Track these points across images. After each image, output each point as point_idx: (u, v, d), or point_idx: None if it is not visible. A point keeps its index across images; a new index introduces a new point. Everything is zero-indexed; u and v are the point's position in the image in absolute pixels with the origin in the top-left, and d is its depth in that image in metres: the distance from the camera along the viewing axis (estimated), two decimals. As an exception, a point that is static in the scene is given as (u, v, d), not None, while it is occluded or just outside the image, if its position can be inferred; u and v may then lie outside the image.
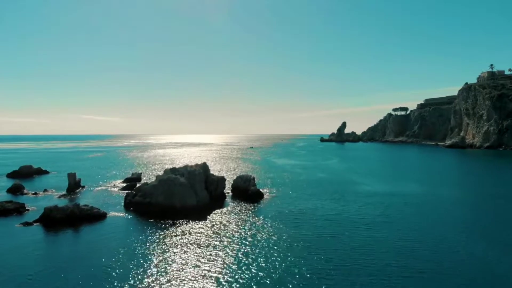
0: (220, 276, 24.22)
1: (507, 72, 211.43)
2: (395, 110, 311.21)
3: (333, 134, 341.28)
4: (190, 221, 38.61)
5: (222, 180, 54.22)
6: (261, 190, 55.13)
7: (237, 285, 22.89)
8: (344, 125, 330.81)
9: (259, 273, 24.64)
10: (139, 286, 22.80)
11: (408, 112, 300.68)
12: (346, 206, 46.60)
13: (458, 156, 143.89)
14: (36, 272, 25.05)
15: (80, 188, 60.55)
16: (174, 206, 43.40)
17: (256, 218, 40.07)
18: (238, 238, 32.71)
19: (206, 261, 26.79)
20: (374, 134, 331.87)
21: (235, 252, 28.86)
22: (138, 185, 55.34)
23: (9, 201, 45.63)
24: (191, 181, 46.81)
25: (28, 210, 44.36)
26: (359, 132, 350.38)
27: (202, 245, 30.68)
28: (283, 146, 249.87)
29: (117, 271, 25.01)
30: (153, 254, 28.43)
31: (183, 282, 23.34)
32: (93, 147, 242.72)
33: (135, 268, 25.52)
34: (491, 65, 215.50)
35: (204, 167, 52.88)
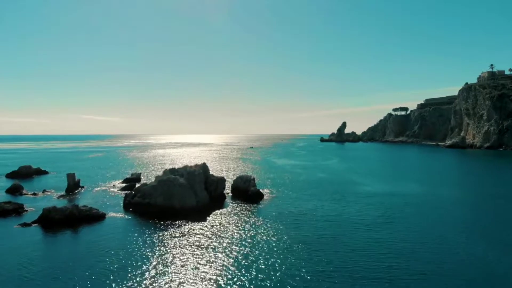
0: (219, 277, 24.02)
1: (507, 72, 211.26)
2: (395, 110, 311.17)
3: (333, 134, 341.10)
4: (190, 222, 38.41)
5: (221, 180, 54.02)
6: (261, 190, 54.94)
7: (237, 287, 22.69)
8: (344, 125, 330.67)
9: (259, 275, 24.44)
10: (138, 287, 22.63)
11: (408, 112, 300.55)
12: (346, 206, 46.40)
13: (458, 156, 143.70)
14: (34, 273, 24.86)
15: (80, 188, 60.35)
16: (173, 207, 43.21)
17: (256, 219, 39.87)
18: (237, 239, 32.51)
19: (205, 263, 26.60)
20: (374, 134, 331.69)
21: (234, 253, 28.66)
22: (137, 185, 55.12)
23: (7, 202, 45.41)
24: (190, 181, 46.61)
25: (26, 210, 44.16)
26: (359, 132, 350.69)
27: (201, 246, 30.48)
28: (283, 146, 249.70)
29: (116, 272, 24.81)
30: (152, 255, 28.23)
31: (182, 283, 23.15)
32: (93, 147, 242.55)
33: (134, 269, 25.32)
34: (491, 65, 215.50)
35: (204, 167, 52.69)
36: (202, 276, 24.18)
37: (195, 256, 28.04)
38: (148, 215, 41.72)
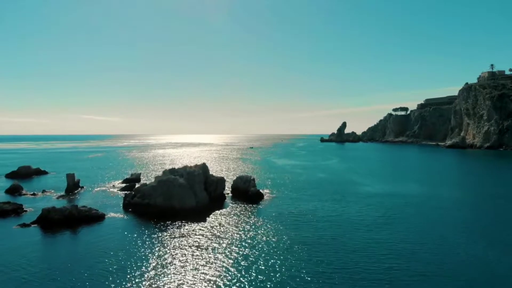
0: (219, 279, 23.88)
1: (507, 72, 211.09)
2: (395, 110, 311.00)
3: (333, 134, 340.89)
4: (189, 223, 38.27)
5: (221, 180, 53.88)
6: (261, 190, 54.80)
7: (236, 288, 22.57)
8: (344, 125, 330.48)
9: (259, 276, 24.30)
10: (136, 289, 22.49)
11: (408, 112, 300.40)
12: (346, 207, 46.27)
13: (458, 156, 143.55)
14: (32, 274, 24.73)
15: (79, 188, 60.22)
16: (173, 207, 43.07)
17: (256, 220, 39.73)
18: (237, 240, 32.38)
19: (205, 263, 26.47)
20: (374, 134, 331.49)
21: (234, 254, 28.53)
22: (137, 185, 54.98)
23: (6, 202, 45.29)
24: (190, 182, 46.47)
25: (26, 211, 44.03)
26: (359, 132, 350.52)
27: (201, 247, 30.35)
28: (283, 146, 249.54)
29: (115, 273, 24.68)
30: (152, 256, 28.09)
31: (182, 284, 23.01)
32: (92, 147, 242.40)
33: (133, 270, 25.18)
34: (492, 65, 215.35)
35: (204, 167, 52.55)
36: (201, 277, 24.05)
37: (194, 257, 27.91)
38: (148, 215, 41.58)
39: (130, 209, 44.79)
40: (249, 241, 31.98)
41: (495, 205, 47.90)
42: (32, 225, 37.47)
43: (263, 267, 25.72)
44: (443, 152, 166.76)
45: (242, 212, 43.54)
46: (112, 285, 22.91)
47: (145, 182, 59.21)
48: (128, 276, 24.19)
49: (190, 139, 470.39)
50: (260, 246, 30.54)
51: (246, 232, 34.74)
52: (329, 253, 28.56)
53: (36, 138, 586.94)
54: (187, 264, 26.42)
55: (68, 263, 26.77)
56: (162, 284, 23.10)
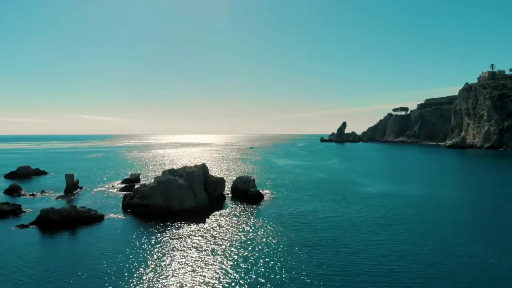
0: (218, 280, 23.65)
1: (507, 72, 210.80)
2: (395, 110, 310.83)
3: (333, 134, 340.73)
4: (189, 223, 38.04)
5: (221, 181, 53.64)
6: (261, 191, 54.58)
7: (236, 291, 22.35)
8: (344, 125, 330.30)
9: (259, 278, 24.07)
10: (135, 291, 22.26)
11: (408, 112, 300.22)
12: (347, 208, 46.04)
13: (458, 157, 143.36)
14: (29, 275, 24.50)
15: (78, 189, 60.00)
16: (172, 208, 42.82)
17: (256, 220, 39.51)
18: (237, 241, 32.14)
19: (204, 265, 26.24)
20: (374, 134, 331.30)
21: (234, 256, 28.30)
22: (136, 186, 54.73)
23: (5, 203, 45.03)
24: (190, 182, 46.23)
25: (24, 211, 43.79)
26: (359, 132, 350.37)
27: (200, 248, 30.11)
28: (283, 146, 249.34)
29: (113, 275, 24.44)
30: (151, 257, 27.86)
31: (181, 286, 22.78)
32: (92, 147, 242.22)
33: (132, 272, 24.95)
34: (492, 65, 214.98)
35: (203, 168, 52.32)
36: (201, 279, 23.82)
37: (194, 258, 27.68)
38: (147, 216, 41.36)
39: (129, 210, 44.55)
40: (249, 242, 31.75)
41: (495, 205, 47.73)
42: (31, 226, 37.24)
43: (263, 269, 25.49)
44: (443, 152, 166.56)
45: (242, 213, 43.31)
46: (110, 287, 22.67)
47: (144, 182, 59.00)
48: (127, 278, 23.95)
49: (190, 139, 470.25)
50: (260, 247, 30.31)
51: (246, 233, 34.51)
52: (329, 254, 28.33)
53: (36, 138, 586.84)
54: (187, 265, 26.19)
55: (66, 264, 26.54)
56: (161, 285, 22.87)
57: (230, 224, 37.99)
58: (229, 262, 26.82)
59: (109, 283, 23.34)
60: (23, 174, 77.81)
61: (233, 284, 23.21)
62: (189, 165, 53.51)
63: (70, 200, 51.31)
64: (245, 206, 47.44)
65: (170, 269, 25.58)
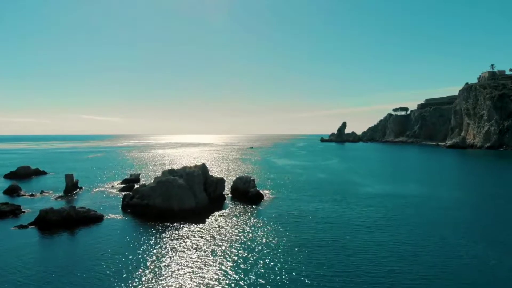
0: (217, 282, 23.52)
1: (508, 72, 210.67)
2: (395, 110, 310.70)
3: (333, 134, 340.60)
4: (188, 224, 37.91)
5: (221, 181, 53.51)
6: (261, 191, 54.44)
7: (236, 292, 22.21)
8: (344, 125, 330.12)
9: (258, 279, 23.94)
10: (134, 293, 22.12)
11: (409, 112, 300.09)
12: (347, 208, 45.90)
13: (458, 157, 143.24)
14: (27, 276, 24.36)
15: (78, 189, 59.88)
16: (172, 209, 42.68)
17: (256, 221, 39.37)
18: (237, 242, 32.01)
19: (203, 266, 26.10)
20: (374, 134, 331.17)
21: (233, 256, 28.17)
22: (136, 186, 54.62)
23: (5, 203, 44.89)
24: (189, 182, 46.10)
25: (24, 212, 43.67)
26: (359, 132, 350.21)
27: (200, 249, 29.98)
28: (283, 146, 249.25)
29: (112, 276, 24.30)
30: (150, 258, 27.72)
31: (180, 287, 22.66)
32: (92, 147, 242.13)
33: (131, 273, 24.81)
34: (492, 65, 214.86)
35: (203, 168, 52.19)
36: (200, 280, 23.68)
37: (193, 259, 27.55)
38: (147, 216, 41.23)
39: (129, 210, 44.42)
40: (248, 243, 31.62)
41: (495, 205, 47.64)
42: (30, 227, 37.10)
43: (262, 270, 25.36)
44: (444, 152, 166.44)
45: (241, 213, 43.18)
46: (109, 289, 22.56)
47: (144, 182, 58.88)
48: (126, 279, 23.81)
49: (190, 139, 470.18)
50: (259, 248, 30.18)
51: (246, 234, 34.38)
52: (329, 255, 28.19)
53: (36, 138, 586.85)
54: (186, 266, 26.05)
55: (65, 265, 26.41)
56: (161, 287, 22.72)
57: (230, 225, 37.86)
58: (228, 263, 26.69)
59: (107, 284, 23.21)
60: (23, 174, 77.69)
61: (232, 285, 23.07)
62: (189, 165, 53.39)
63: (69, 201, 51.17)
64: (245, 206, 47.31)
65: (169, 270, 25.44)
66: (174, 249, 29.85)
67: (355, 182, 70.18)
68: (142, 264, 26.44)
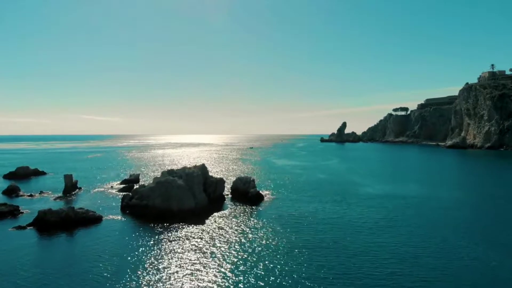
0: (216, 284, 23.27)
1: (508, 72, 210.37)
2: (395, 110, 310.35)
3: (333, 134, 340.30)
4: (188, 225, 37.66)
5: (221, 181, 53.26)
6: (261, 192, 54.22)
7: (235, 294, 21.97)
8: (344, 125, 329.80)
9: (258, 281, 23.69)
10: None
11: (409, 112, 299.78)
12: (347, 209, 45.64)
13: (459, 157, 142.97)
14: (24, 278, 24.13)
15: (77, 189, 59.63)
16: (171, 209, 42.43)
17: (256, 222, 39.13)
18: (236, 243, 31.76)
19: (203, 267, 25.85)
20: (374, 134, 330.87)
21: (233, 258, 27.92)
22: (136, 186, 54.38)
23: (3, 204, 44.64)
24: (189, 183, 45.85)
25: (22, 213, 43.42)
26: (359, 132, 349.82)
27: (199, 250, 29.73)
28: (283, 147, 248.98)
29: (110, 278, 24.06)
30: (149, 259, 27.47)
31: (178, 291, 22.41)
32: (92, 147, 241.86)
33: (129, 274, 24.56)
34: (492, 65, 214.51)
35: (203, 168, 51.94)
36: (199, 282, 23.43)
37: (192, 260, 27.30)
38: (146, 217, 40.98)
39: (128, 211, 44.17)
40: (248, 244, 31.37)
41: (496, 206, 47.42)
42: (28, 227, 36.86)
43: (262, 272, 25.11)
44: (444, 152, 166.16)
45: (241, 214, 42.93)
46: (108, 291, 22.32)
47: (144, 183, 58.66)
48: (124, 281, 23.56)
49: (190, 139, 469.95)
50: (259, 249, 29.93)
51: (246, 235, 34.13)
52: (330, 257, 27.93)
53: (36, 138, 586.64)
54: (185, 268, 25.80)
55: (63, 267, 26.17)
56: (159, 289, 22.49)
57: (230, 226, 37.62)
58: (228, 265, 26.45)
59: (106, 286, 22.97)
60: (22, 175, 77.43)
61: (232, 287, 22.82)
62: (188, 166, 53.17)
63: (68, 201, 50.92)
64: (245, 207, 47.06)
65: (168, 271, 25.19)
66: (173, 250, 29.60)
67: (356, 182, 69.93)
68: (140, 266, 26.19)
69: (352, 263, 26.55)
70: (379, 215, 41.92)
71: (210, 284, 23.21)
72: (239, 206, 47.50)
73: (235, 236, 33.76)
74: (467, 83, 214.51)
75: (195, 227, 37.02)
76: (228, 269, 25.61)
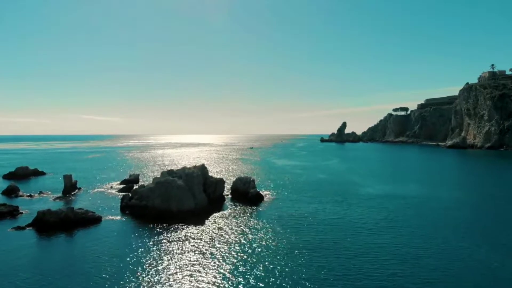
0: (216, 285, 23.10)
1: (508, 72, 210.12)
2: (395, 110, 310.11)
3: (333, 134, 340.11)
4: (187, 225, 37.50)
5: (220, 182, 53.10)
6: (261, 192, 54.07)
7: (235, 296, 21.81)
8: (344, 125, 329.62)
9: (258, 283, 23.53)
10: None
11: (409, 112, 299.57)
12: (348, 209, 45.48)
13: (459, 157, 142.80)
14: (23, 279, 23.99)
15: (77, 190, 59.47)
16: (171, 210, 42.28)
17: (256, 222, 38.97)
18: (236, 244, 31.60)
19: (202, 268, 25.69)
20: (375, 134, 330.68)
21: (232, 259, 27.76)
22: (135, 187, 54.23)
23: (2, 204, 44.48)
24: (188, 183, 45.69)
25: (21, 213, 43.27)
26: (359, 132, 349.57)
27: (198, 251, 29.57)
28: (283, 147, 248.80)
29: (108, 279, 23.89)
30: (148, 260, 27.31)
31: (178, 292, 22.25)
32: (92, 147, 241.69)
33: (128, 275, 24.40)
34: (492, 65, 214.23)
35: (202, 169, 51.78)
36: (198, 283, 23.26)
37: (192, 261, 27.14)
38: (145, 218, 40.82)
39: (127, 211, 44.02)
40: (248, 245, 31.21)
41: (497, 206, 47.26)
42: (27, 228, 36.72)
43: (262, 273, 24.95)
44: (444, 153, 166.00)
45: (241, 215, 42.77)
46: (106, 292, 22.16)
47: (143, 183, 58.51)
48: (123, 283, 23.40)
49: (190, 139, 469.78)
50: (259, 250, 29.77)
51: (245, 236, 33.97)
52: (330, 258, 27.76)
53: (36, 138, 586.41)
54: (185, 269, 25.64)
55: (61, 267, 26.01)
56: (158, 291, 22.33)
57: (229, 226, 37.46)
58: (227, 266, 26.29)
59: (104, 287, 22.80)
60: (21, 175, 77.26)
61: (231, 287, 22.68)
62: (188, 166, 53.00)
63: (68, 201, 50.76)
64: (245, 207, 46.90)
65: (168, 272, 25.03)
66: (172, 251, 29.45)
67: (356, 182, 69.77)
68: (140, 267, 26.03)
69: (352, 264, 26.39)
70: (380, 216, 41.76)
71: (209, 286, 23.05)
72: (239, 207, 47.35)
73: (235, 237, 33.60)
74: (467, 83, 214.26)
75: (194, 227, 36.86)
76: (228, 270, 25.45)
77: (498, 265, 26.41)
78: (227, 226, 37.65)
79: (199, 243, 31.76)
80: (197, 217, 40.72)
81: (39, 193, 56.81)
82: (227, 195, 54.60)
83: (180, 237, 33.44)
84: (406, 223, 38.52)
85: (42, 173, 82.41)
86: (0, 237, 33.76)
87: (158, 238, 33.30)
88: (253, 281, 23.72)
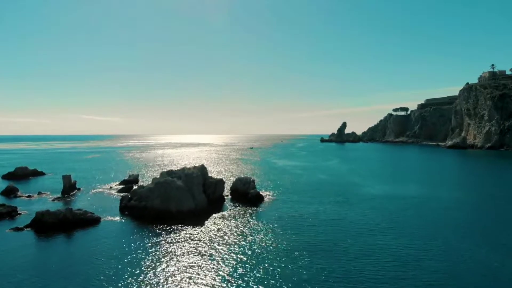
0: (215, 287, 22.85)
1: (508, 72, 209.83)
2: (395, 110, 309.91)
3: (333, 134, 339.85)
4: (187, 226, 37.26)
5: (220, 182, 52.87)
6: (261, 192, 53.83)
7: (235, 298, 21.56)
8: (344, 125, 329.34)
9: (258, 284, 23.29)
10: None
11: (409, 112, 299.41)
12: (348, 210, 45.24)
13: (459, 157, 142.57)
14: (21, 280, 23.78)
15: (76, 190, 59.24)
16: (170, 210, 42.04)
17: (256, 223, 38.73)
18: (235, 245, 31.36)
19: (201, 270, 25.45)
20: (375, 135, 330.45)
21: (232, 260, 27.52)
22: (135, 187, 53.97)
23: (1, 205, 44.22)
24: (188, 184, 45.44)
25: (20, 214, 43.04)
26: (359, 132, 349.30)
27: (198, 252, 29.33)
28: (283, 147, 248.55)
29: (107, 280, 23.65)
30: (147, 261, 27.06)
31: (177, 294, 22.00)
32: (92, 147, 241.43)
33: (127, 276, 24.16)
34: (492, 65, 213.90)
35: (202, 169, 51.55)
36: (198, 285, 23.02)
37: (191, 262, 26.90)
38: (144, 218, 40.59)
39: (126, 212, 43.78)
40: (247, 246, 30.97)
41: (497, 206, 47.06)
42: (26, 229, 36.49)
43: (262, 275, 24.71)
44: (444, 153, 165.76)
45: (241, 215, 42.53)
46: (105, 295, 21.92)
47: (143, 183, 58.25)
48: (122, 283, 23.16)
49: (190, 139, 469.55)
50: (259, 251, 29.53)
51: (245, 237, 33.73)
52: (331, 260, 27.51)
53: (36, 138, 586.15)
54: (184, 270, 25.40)
55: (60, 269, 25.78)
56: (157, 293, 22.08)
57: (229, 227, 37.22)
58: (227, 267, 26.04)
59: (103, 286, 22.58)
60: (21, 175, 77.03)
61: (231, 291, 22.43)
62: (188, 166, 52.76)
63: (66, 202, 50.50)
64: (245, 208, 46.66)
65: (167, 273, 24.79)
66: (172, 252, 29.21)
67: (356, 183, 69.53)
68: (139, 268, 25.78)
69: (353, 266, 26.14)
70: (380, 217, 41.51)
71: (209, 287, 22.83)
72: (238, 207, 47.11)
73: (235, 238, 33.36)
74: (467, 83, 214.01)
75: (194, 228, 36.62)
76: (227, 272, 25.21)
77: (498, 265, 26.27)
78: (227, 227, 37.41)
79: (199, 244, 31.52)
80: (197, 218, 40.48)
81: (38, 194, 56.57)
82: (227, 195, 54.36)
83: (179, 238, 33.20)
84: (407, 224, 38.29)
85: (42, 173, 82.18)
86: (-2, 238, 33.51)
87: (157, 239, 33.06)
88: (252, 282, 23.48)
